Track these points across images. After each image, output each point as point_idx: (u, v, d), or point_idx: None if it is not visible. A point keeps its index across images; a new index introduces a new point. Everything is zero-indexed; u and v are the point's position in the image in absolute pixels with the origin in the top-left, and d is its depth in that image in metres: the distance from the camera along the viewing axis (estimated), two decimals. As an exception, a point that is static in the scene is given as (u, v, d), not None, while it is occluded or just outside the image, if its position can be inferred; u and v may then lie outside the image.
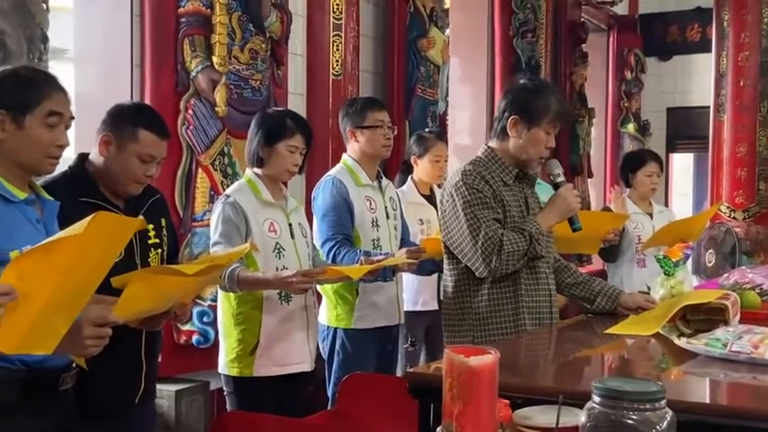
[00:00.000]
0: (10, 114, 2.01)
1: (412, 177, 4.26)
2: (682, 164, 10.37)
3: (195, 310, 3.66)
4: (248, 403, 3.04)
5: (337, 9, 4.61)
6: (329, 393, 3.59)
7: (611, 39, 9.10)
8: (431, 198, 4.20)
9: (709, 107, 7.61)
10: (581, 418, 1.32)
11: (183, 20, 3.70)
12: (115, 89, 3.56)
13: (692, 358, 2.24)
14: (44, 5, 3.00)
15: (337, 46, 4.62)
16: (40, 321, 1.71)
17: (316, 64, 4.62)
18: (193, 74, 3.73)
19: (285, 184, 3.28)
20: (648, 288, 3.14)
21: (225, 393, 3.15)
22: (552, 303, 2.91)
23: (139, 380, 2.55)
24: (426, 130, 4.79)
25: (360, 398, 2.95)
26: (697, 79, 9.06)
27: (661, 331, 2.54)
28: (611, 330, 2.67)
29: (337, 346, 3.56)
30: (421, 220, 4.12)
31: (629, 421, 1.26)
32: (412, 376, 2.11)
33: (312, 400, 3.50)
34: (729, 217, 7.26)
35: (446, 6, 5.75)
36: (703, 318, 2.57)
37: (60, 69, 3.62)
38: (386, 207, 3.64)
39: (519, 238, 2.74)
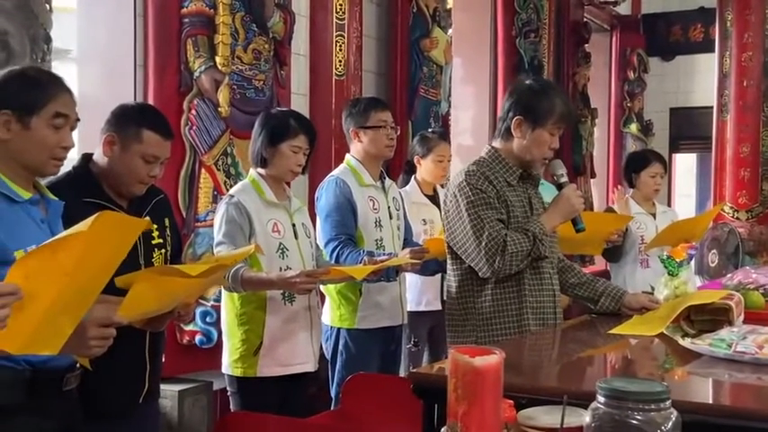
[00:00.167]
0: (16, 115, 2.02)
1: (415, 177, 4.26)
2: (685, 164, 10.36)
3: (198, 311, 3.66)
4: (252, 403, 3.04)
5: (340, 9, 4.61)
6: (332, 393, 3.59)
7: (613, 39, 9.09)
8: (434, 198, 4.20)
9: (712, 107, 7.61)
10: (585, 418, 1.32)
11: (187, 20, 3.70)
12: (118, 89, 3.57)
13: (697, 359, 2.24)
14: (47, 6, 3.01)
15: (340, 46, 4.62)
16: (46, 322, 1.71)
17: (319, 64, 4.62)
18: (196, 74, 3.73)
19: (288, 184, 3.28)
20: (652, 288, 3.14)
21: (228, 393, 3.15)
22: (556, 304, 2.91)
23: (143, 380, 2.55)
24: (429, 130, 4.78)
25: (363, 398, 2.95)
26: (700, 79, 9.05)
27: (665, 332, 2.54)
28: (615, 331, 2.67)
29: (340, 347, 3.56)
30: (424, 220, 4.12)
31: (634, 422, 1.25)
32: (415, 376, 2.11)
33: (315, 400, 3.50)
34: (732, 217, 7.26)
35: (449, 6, 5.74)
36: (707, 318, 2.56)
37: (63, 70, 3.63)
38: (389, 207, 3.64)
39: (522, 238, 2.74)
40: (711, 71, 7.70)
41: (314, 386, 3.38)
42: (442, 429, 1.39)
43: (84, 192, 2.41)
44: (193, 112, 3.72)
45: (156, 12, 3.63)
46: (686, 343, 2.33)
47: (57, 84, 2.10)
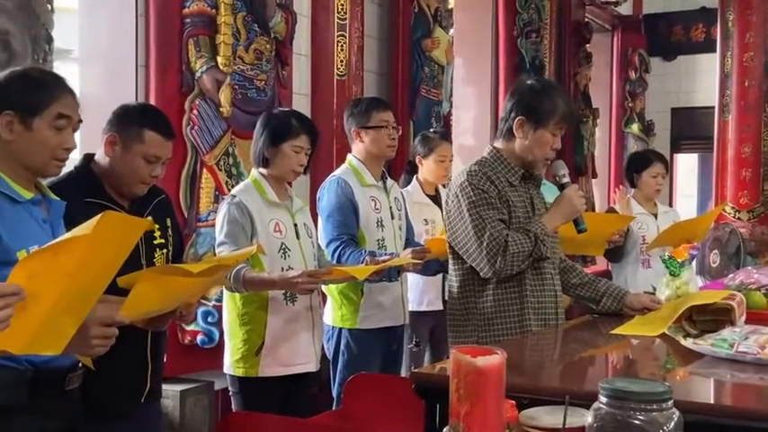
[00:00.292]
0: (18, 116, 2.02)
1: (417, 177, 4.26)
2: (686, 164, 10.35)
3: (200, 311, 3.66)
4: (253, 403, 3.04)
5: (342, 9, 4.61)
6: (334, 393, 3.59)
7: (615, 39, 9.09)
8: (436, 198, 4.20)
9: (713, 107, 7.61)
10: (588, 418, 1.32)
11: (188, 20, 3.70)
12: (120, 90, 3.57)
13: (699, 359, 2.24)
14: (49, 6, 3.01)
15: (342, 46, 4.62)
16: (49, 322, 1.71)
17: (320, 64, 4.62)
18: (198, 74, 3.73)
19: (290, 184, 3.28)
20: (654, 288, 3.14)
21: (230, 394, 3.15)
22: (558, 304, 2.90)
23: (145, 379, 2.55)
24: (431, 130, 4.79)
25: (365, 398, 2.95)
26: (701, 79, 9.05)
27: (667, 332, 2.54)
28: (616, 331, 2.67)
29: (342, 347, 3.56)
30: (426, 220, 4.12)
31: (636, 422, 1.26)
32: (417, 377, 2.11)
33: (317, 400, 3.50)
34: (734, 217, 7.26)
35: (450, 6, 5.75)
36: (709, 318, 2.57)
37: (65, 70, 3.63)
38: (391, 207, 3.64)
39: (524, 238, 2.73)
40: (713, 71, 7.69)
41: (315, 386, 3.38)
42: (444, 429, 1.39)
43: (85, 192, 2.41)
44: (195, 112, 3.72)
45: (157, 12, 3.63)
46: (688, 343, 2.33)
47: (60, 85, 2.10)
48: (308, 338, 3.13)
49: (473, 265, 2.79)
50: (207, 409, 3.73)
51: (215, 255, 3.11)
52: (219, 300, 3.42)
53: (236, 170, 3.88)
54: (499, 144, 2.88)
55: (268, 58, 4.10)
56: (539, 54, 6.87)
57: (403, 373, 3.84)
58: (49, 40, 3.00)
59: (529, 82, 2.94)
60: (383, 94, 4.93)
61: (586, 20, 8.01)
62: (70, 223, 1.95)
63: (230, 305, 3.10)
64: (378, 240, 3.54)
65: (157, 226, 2.54)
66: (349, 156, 3.68)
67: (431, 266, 3.72)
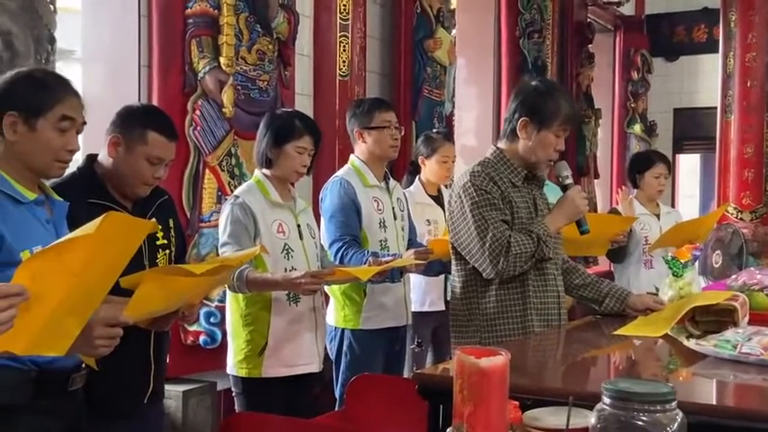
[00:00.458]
0: (22, 116, 2.02)
1: (419, 178, 4.26)
2: (688, 165, 10.35)
3: (202, 311, 3.66)
4: (257, 404, 3.04)
5: (344, 10, 4.61)
6: (337, 394, 3.59)
7: (617, 39, 9.09)
8: (438, 199, 4.20)
9: (716, 108, 7.61)
10: (591, 419, 1.32)
11: (191, 21, 3.71)
12: (122, 90, 3.57)
13: (702, 360, 2.24)
14: (51, 6, 3.01)
15: (344, 47, 4.62)
16: (53, 322, 1.71)
17: (322, 65, 4.62)
18: (201, 75, 3.73)
19: (293, 184, 3.29)
20: (657, 289, 3.14)
21: (233, 394, 3.15)
22: (561, 305, 2.90)
23: (148, 380, 2.55)
24: (434, 130, 4.79)
25: (367, 398, 2.95)
26: (704, 80, 9.05)
27: (670, 332, 2.53)
28: (619, 331, 2.67)
29: (345, 347, 3.56)
30: (428, 220, 4.12)
31: (640, 423, 1.26)
32: (420, 377, 2.10)
33: (320, 400, 3.50)
34: (736, 218, 7.25)
35: (452, 7, 5.75)
36: (712, 319, 2.56)
37: (67, 70, 3.64)
38: (393, 208, 3.64)
39: (526, 239, 2.73)
40: (715, 72, 7.69)
41: (318, 387, 3.37)
42: (448, 430, 1.39)
43: (88, 193, 2.41)
44: (197, 112, 3.72)
45: (160, 12, 3.64)
46: (691, 344, 2.33)
47: (64, 86, 2.10)
48: (311, 339, 3.13)
49: (476, 265, 2.79)
50: (209, 410, 3.73)
51: (218, 255, 3.11)
52: (222, 300, 3.42)
53: (239, 171, 3.88)
54: (502, 145, 2.88)
55: (270, 59, 4.10)
56: (541, 54, 6.87)
57: (406, 374, 3.84)
58: (52, 40, 3.01)
59: (533, 83, 2.94)
60: (385, 95, 4.94)
61: (589, 20, 8.01)
62: (73, 224, 1.96)
63: (233, 306, 3.10)
64: (380, 241, 3.54)
65: (160, 227, 2.54)
66: (351, 156, 3.68)
67: (433, 267, 3.72)
